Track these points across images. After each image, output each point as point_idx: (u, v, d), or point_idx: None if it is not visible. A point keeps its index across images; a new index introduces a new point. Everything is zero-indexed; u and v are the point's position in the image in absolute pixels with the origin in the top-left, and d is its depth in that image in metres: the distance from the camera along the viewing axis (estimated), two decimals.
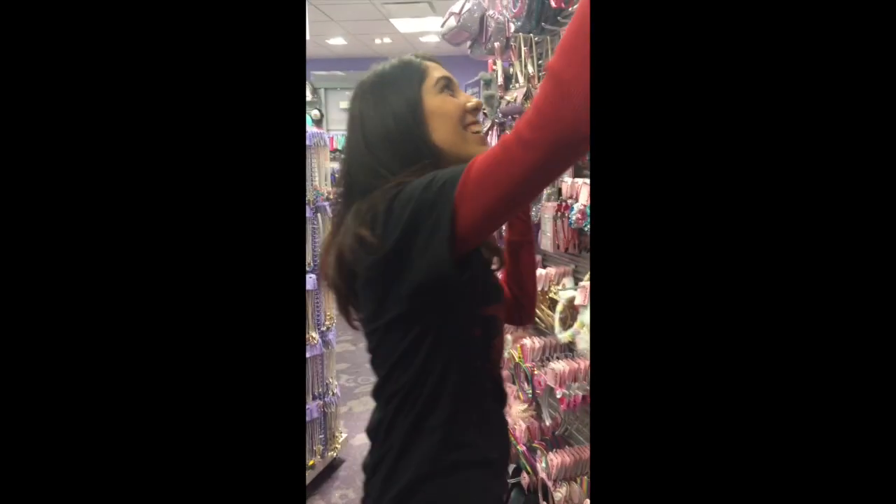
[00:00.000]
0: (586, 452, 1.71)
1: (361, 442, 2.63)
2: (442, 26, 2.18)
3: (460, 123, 0.78)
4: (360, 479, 2.58)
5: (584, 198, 1.59)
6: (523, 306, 0.98)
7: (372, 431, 0.79)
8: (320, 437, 2.32)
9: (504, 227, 0.97)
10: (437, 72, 0.79)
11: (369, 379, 3.08)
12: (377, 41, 7.19)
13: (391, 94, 0.76)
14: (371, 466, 0.78)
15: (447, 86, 0.79)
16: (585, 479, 1.66)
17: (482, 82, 2.13)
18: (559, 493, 1.64)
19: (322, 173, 2.43)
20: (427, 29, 6.37)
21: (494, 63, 2.14)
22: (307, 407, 2.19)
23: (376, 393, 0.79)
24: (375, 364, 0.79)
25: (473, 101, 0.80)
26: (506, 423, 0.85)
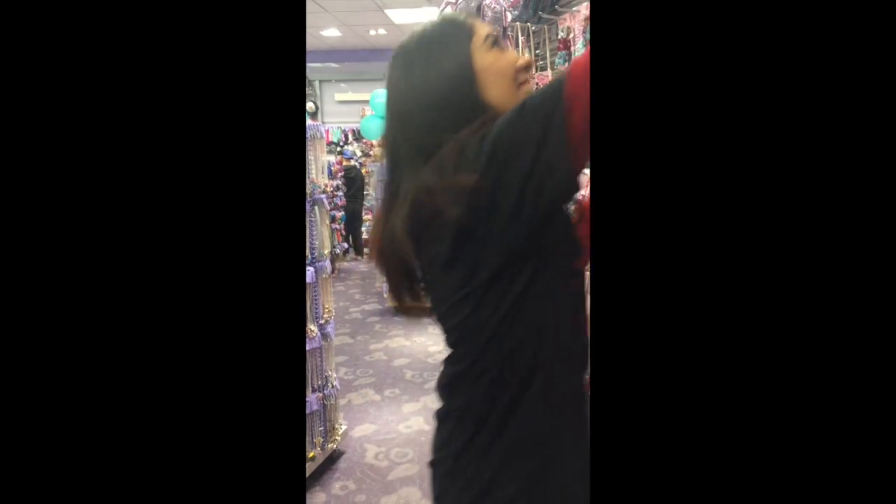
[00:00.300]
0: None
1: (361, 434, 2.64)
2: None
3: (514, 81, 0.73)
4: (359, 470, 2.57)
5: None
6: None
7: (455, 413, 0.73)
8: (320, 429, 2.32)
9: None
10: (483, 28, 0.74)
11: (368, 371, 3.10)
12: (372, 32, 7.14)
13: (439, 54, 0.72)
14: (454, 455, 0.72)
15: (496, 42, 0.74)
16: None
17: None
18: None
19: (318, 166, 2.41)
20: (422, 20, 6.34)
21: None
22: (307, 399, 2.19)
23: (462, 373, 0.72)
24: (463, 339, 0.72)
25: (525, 58, 0.75)
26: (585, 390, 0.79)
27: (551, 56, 1.82)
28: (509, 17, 1.97)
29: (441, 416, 0.76)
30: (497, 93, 0.72)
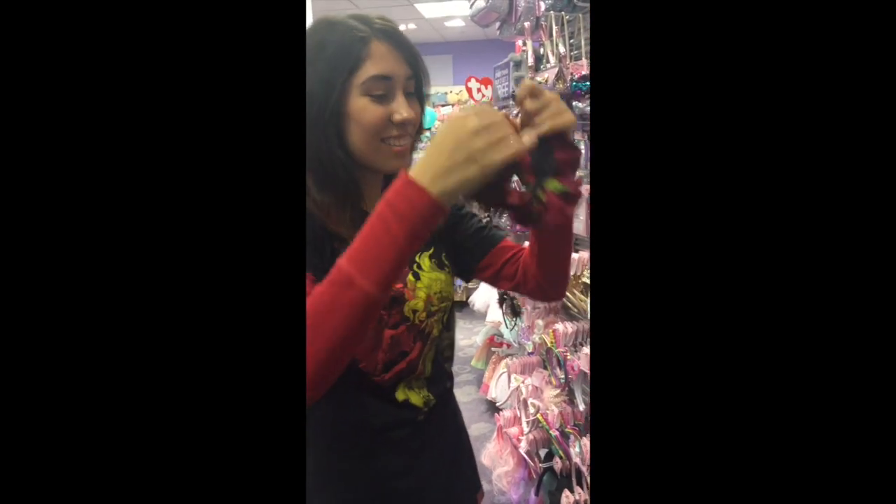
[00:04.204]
0: None
1: None
2: (470, 7, 2.15)
3: (376, 137, 0.68)
4: None
5: None
6: (552, 285, 0.79)
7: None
8: None
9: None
10: (375, 66, 0.66)
11: None
12: (402, 27, 7.13)
13: (318, 72, 0.65)
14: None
15: (379, 89, 0.67)
16: None
17: (512, 64, 2.09)
18: None
19: None
20: (453, 13, 6.31)
21: (524, 44, 2.10)
22: None
23: None
24: None
25: (403, 115, 0.68)
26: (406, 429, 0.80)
27: (586, 45, 1.79)
28: (542, 6, 1.95)
29: None
30: (356, 141, 0.68)
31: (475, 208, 0.67)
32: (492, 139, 0.50)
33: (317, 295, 0.53)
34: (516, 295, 2.28)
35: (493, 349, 2.99)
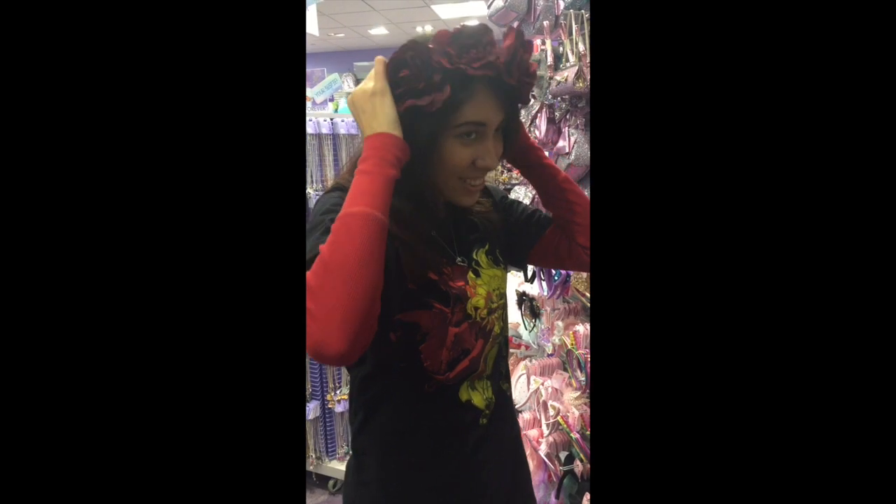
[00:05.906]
0: None
1: None
2: (488, 7, 2.14)
3: (456, 177, 0.73)
4: None
5: None
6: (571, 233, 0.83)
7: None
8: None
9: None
10: (473, 112, 0.69)
11: None
12: (419, 29, 7.17)
13: (416, 115, 0.68)
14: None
15: (470, 133, 0.70)
16: None
17: None
18: None
19: None
20: (469, 14, 6.30)
21: (543, 43, 2.08)
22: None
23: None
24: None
25: (487, 163, 0.72)
26: (463, 431, 0.81)
27: None
28: (562, 4, 1.93)
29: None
30: (436, 175, 0.73)
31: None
32: (369, 89, 0.69)
33: (325, 245, 0.61)
34: (535, 296, 2.26)
35: (510, 350, 2.97)
